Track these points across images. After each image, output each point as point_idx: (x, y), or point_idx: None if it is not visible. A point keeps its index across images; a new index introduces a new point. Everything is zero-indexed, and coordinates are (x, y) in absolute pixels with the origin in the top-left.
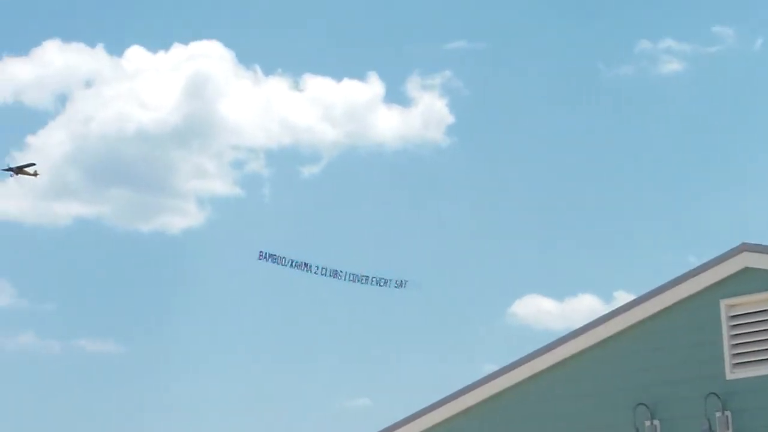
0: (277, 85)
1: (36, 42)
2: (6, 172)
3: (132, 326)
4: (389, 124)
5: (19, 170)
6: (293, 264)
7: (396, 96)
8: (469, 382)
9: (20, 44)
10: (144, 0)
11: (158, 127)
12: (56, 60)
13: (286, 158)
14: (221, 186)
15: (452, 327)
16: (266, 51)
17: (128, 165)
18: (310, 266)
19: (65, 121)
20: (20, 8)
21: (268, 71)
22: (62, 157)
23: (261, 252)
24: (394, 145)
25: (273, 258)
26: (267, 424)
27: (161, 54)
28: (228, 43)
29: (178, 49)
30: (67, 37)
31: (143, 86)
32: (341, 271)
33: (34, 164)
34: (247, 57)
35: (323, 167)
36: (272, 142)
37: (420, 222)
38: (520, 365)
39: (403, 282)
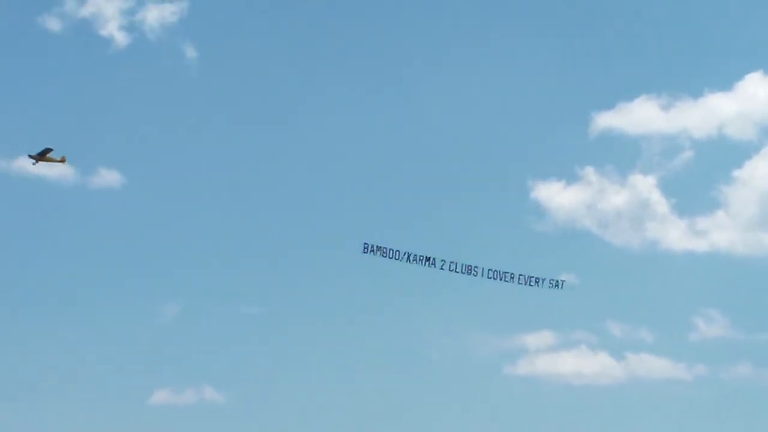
0: None
1: (738, 76)
2: (30, 159)
3: None
4: None
5: (41, 157)
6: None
7: None
8: None
9: (723, 79)
10: None
11: None
12: (759, 92)
13: None
14: None
15: None
16: None
17: None
18: None
19: None
20: (723, 44)
21: None
22: None
23: (365, 244)
24: None
25: (380, 250)
26: None
27: None
28: None
29: None
30: None
31: None
32: None
33: (51, 149)
34: None
35: None
36: None
37: None
38: None
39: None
